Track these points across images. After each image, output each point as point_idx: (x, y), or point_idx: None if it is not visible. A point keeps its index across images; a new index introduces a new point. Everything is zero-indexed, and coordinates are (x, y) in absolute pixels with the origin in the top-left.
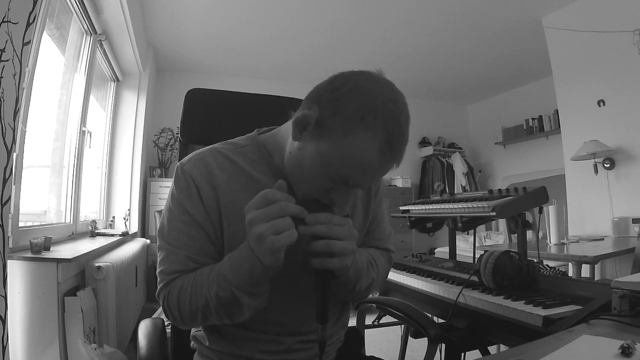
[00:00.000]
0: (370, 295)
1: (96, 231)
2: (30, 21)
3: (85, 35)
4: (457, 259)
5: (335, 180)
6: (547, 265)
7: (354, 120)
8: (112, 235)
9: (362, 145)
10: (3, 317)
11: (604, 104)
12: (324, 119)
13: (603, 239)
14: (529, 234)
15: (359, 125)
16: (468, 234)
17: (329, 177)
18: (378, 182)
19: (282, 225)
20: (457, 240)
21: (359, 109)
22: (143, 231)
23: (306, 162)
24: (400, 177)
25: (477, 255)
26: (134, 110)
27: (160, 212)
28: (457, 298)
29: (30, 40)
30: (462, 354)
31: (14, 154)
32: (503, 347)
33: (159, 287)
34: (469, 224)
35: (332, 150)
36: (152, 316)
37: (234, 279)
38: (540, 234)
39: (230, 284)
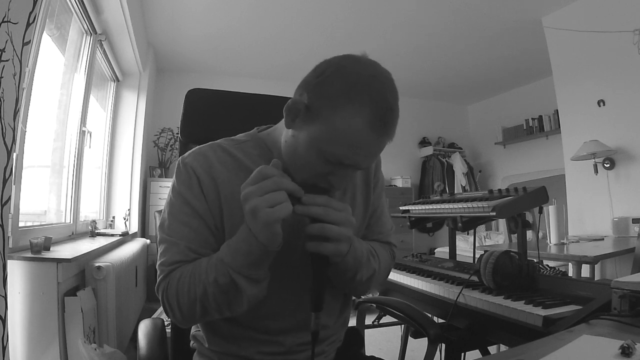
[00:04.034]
0: (370, 295)
1: (96, 231)
2: (30, 21)
3: (85, 35)
4: (457, 259)
5: (331, 162)
6: (547, 265)
7: (339, 97)
8: (112, 235)
9: (350, 120)
10: (3, 317)
11: (604, 104)
12: (312, 103)
13: (603, 239)
14: (529, 234)
15: (345, 101)
16: (468, 234)
17: (325, 160)
18: (377, 175)
19: (277, 198)
20: (457, 240)
21: (342, 86)
22: (143, 231)
23: (301, 148)
24: (400, 177)
25: (477, 255)
26: (134, 110)
27: (160, 212)
28: (457, 298)
29: (30, 40)
30: (462, 354)
31: (14, 154)
32: (503, 347)
33: (158, 280)
34: (469, 224)
35: (323, 131)
36: (152, 316)
37: (232, 262)
38: (540, 234)
39: (229, 267)
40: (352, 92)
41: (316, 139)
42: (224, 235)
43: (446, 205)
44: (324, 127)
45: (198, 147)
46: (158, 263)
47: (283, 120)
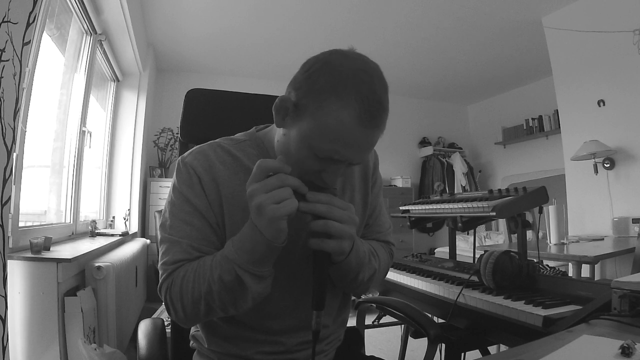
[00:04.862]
0: (370, 295)
1: (96, 231)
2: (30, 21)
3: (85, 35)
4: (457, 259)
5: (322, 159)
6: (547, 265)
7: (326, 92)
8: (112, 235)
9: (338, 115)
10: (3, 317)
11: (604, 104)
12: (300, 99)
13: (603, 239)
14: (529, 234)
15: (331, 96)
16: (468, 234)
17: (316, 156)
18: (375, 174)
19: (282, 194)
20: (457, 240)
21: (329, 81)
22: (143, 231)
23: (292, 146)
24: (400, 177)
25: (477, 255)
26: (134, 110)
27: (160, 212)
28: (457, 298)
29: (30, 40)
30: (462, 354)
31: (14, 154)
32: (503, 347)
33: (161, 280)
34: (469, 224)
35: (312, 127)
36: (152, 316)
37: (237, 259)
38: (540, 234)
39: (234, 263)
40: (339, 87)
41: (306, 136)
42: (225, 234)
43: (446, 205)
44: (313, 123)
45: (198, 146)
46: (160, 263)
47: None
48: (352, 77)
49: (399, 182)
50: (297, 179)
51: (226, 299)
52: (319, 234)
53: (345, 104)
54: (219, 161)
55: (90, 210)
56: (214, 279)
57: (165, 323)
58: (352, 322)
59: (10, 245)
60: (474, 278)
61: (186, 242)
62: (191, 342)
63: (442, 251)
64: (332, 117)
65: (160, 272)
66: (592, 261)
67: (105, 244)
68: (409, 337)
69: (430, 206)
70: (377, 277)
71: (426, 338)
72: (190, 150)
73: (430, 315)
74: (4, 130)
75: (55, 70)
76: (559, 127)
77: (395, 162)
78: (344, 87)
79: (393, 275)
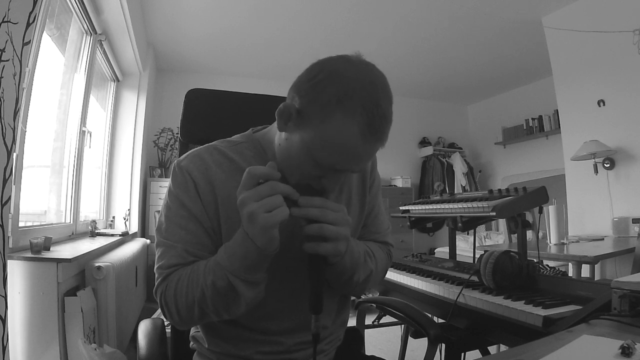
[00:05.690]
0: (370, 295)
1: (96, 231)
2: (30, 21)
3: (85, 35)
4: (457, 259)
5: (323, 167)
6: (547, 265)
7: (331, 105)
8: (112, 235)
9: (342, 129)
10: (3, 317)
11: (604, 104)
12: (304, 107)
13: (603, 239)
14: (529, 234)
15: (337, 109)
16: (468, 234)
17: (317, 164)
18: (373, 174)
19: (274, 202)
20: (457, 240)
21: (335, 93)
22: (143, 231)
23: (293, 152)
24: (400, 177)
25: (477, 255)
26: (134, 110)
27: (159, 212)
28: (457, 298)
29: (30, 40)
30: (462, 354)
31: (14, 154)
32: (503, 347)
33: (156, 283)
34: (469, 224)
35: (315, 138)
36: (152, 316)
37: (229, 266)
38: (540, 234)
39: (226, 270)
40: (345, 100)
41: (307, 145)
42: (221, 238)
43: (446, 205)
44: (316, 133)
45: (194, 149)
46: (156, 266)
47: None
48: (358, 90)
49: (399, 182)
50: (288, 186)
51: (219, 305)
52: (313, 238)
53: (350, 119)
54: (215, 164)
55: (90, 210)
56: (207, 284)
57: (165, 323)
58: (352, 322)
59: (10, 245)
60: (474, 278)
61: (181, 247)
62: (191, 343)
63: (442, 251)
64: (336, 130)
65: (156, 276)
66: (592, 261)
67: (105, 244)
68: (409, 337)
69: (430, 206)
70: (374, 278)
71: (426, 338)
72: (185, 154)
73: (430, 315)
74: (4, 130)
75: (55, 70)
76: (559, 127)
77: (395, 162)
78: (349, 100)
79: (393, 275)
